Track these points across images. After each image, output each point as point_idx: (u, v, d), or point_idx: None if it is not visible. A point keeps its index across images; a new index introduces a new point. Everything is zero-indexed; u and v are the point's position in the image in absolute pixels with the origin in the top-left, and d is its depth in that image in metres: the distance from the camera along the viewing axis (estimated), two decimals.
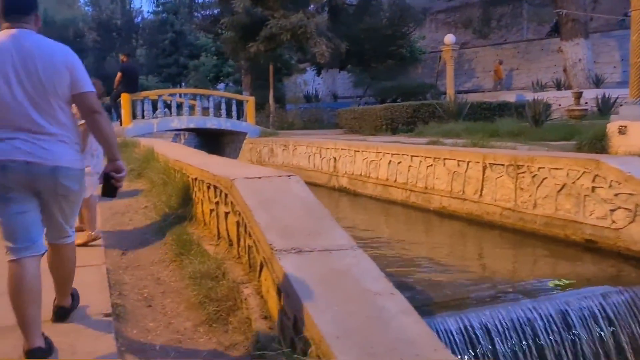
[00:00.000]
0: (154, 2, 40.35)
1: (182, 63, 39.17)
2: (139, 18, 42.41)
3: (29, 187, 2.47)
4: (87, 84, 2.55)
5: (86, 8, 47.54)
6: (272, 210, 3.66)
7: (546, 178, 6.01)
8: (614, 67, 23.16)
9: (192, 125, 13.87)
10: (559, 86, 19.71)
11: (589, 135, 8.62)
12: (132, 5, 44.27)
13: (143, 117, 13.86)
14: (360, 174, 10.01)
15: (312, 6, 17.48)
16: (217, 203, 4.50)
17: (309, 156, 12.13)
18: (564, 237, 5.82)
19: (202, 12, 29.96)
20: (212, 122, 14.22)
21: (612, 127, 8.29)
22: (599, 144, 8.37)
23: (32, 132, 2.43)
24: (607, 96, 14.88)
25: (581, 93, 13.60)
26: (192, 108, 14.77)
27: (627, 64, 23.24)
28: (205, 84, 34.14)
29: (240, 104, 15.37)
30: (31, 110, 2.41)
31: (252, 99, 15.12)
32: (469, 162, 7.19)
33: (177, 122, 13.53)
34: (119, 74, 12.55)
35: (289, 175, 4.27)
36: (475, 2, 35.52)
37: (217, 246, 4.46)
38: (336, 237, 3.43)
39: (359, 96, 31.05)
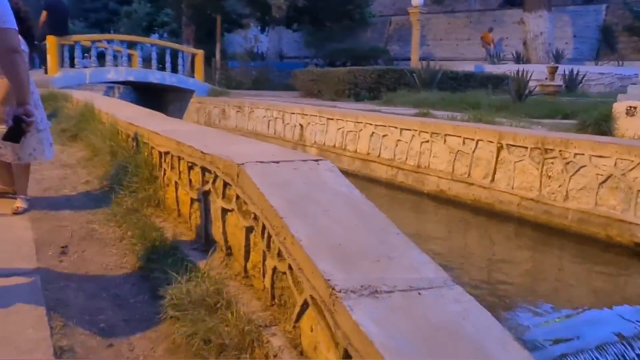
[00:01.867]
0: None
1: (111, 8, 35.97)
2: None
3: None
4: (4, 21, 2.35)
5: None
6: (311, 216, 2.41)
7: (585, 166, 5.07)
8: (566, 42, 22.93)
9: (131, 78, 12.08)
10: (518, 59, 19.17)
11: (592, 115, 7.80)
12: None
13: (73, 65, 11.93)
14: (334, 145, 8.82)
15: None
16: (206, 193, 3.19)
17: (269, 121, 10.79)
18: (604, 238, 4.92)
19: None
20: (155, 76, 12.47)
21: (619, 107, 7.50)
22: (604, 125, 7.58)
23: None
24: (575, 72, 14.38)
25: (557, 68, 12.93)
26: (129, 58, 12.90)
27: (580, 40, 23.18)
28: (138, 33, 31.42)
29: (186, 57, 13.62)
30: None
31: (201, 52, 13.42)
32: (478, 140, 6.16)
33: (114, 73, 11.69)
34: (43, 13, 10.53)
35: (316, 160, 3.02)
36: None
37: (205, 252, 3.17)
38: (417, 264, 2.23)
39: (306, 57, 29.55)
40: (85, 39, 11.54)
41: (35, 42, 11.81)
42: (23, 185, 4.03)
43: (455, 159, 6.47)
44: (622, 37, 23.05)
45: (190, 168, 3.42)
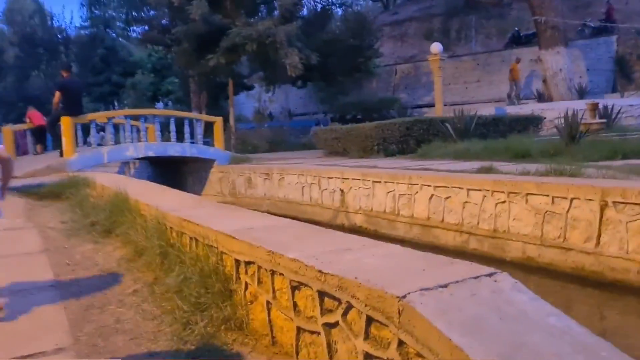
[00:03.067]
0: (81, 16, 37.12)
1: (114, 81, 36.07)
2: (69, 32, 38.80)
3: None
4: None
5: (2, 25, 43.31)
6: None
7: None
8: (580, 77, 22.47)
9: (151, 153, 11.42)
10: (540, 98, 18.63)
11: None
12: (55, 20, 40.49)
13: (88, 144, 11.33)
14: (384, 211, 8.00)
15: (276, 12, 15.36)
16: (329, 325, 2.36)
17: (303, 187, 10.02)
18: None
19: (138, 27, 27.28)
20: (175, 149, 11.81)
21: None
22: None
23: None
24: (610, 107, 13.74)
25: (597, 104, 12.27)
26: (146, 131, 12.26)
27: (594, 73, 22.72)
28: (144, 104, 31.29)
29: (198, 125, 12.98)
30: None
31: (220, 120, 12.81)
32: (573, 199, 5.34)
33: (132, 150, 11.04)
34: (57, 93, 9.97)
35: (490, 274, 2.19)
36: (417, 16, 34.82)
37: None
38: None
39: (314, 113, 29.19)
40: (101, 116, 10.96)
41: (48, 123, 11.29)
42: None
43: (543, 221, 5.64)
44: (637, 67, 22.64)
45: (295, 288, 2.60)
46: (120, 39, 38.66)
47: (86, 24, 39.89)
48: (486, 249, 6.31)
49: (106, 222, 5.88)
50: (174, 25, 16.11)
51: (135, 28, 31.35)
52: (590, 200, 5.17)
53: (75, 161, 9.98)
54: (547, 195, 5.58)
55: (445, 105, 27.34)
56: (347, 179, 8.79)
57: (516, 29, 28.02)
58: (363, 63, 21.18)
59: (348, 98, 24.68)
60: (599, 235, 5.12)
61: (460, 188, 6.64)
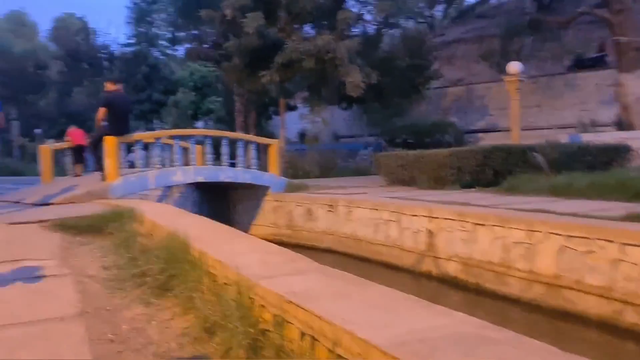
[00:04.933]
0: (125, 34, 36.92)
1: (156, 99, 35.50)
2: (113, 49, 38.62)
3: None
4: None
5: (48, 43, 43.50)
6: None
7: None
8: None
9: (200, 179, 10.18)
10: (620, 125, 16.90)
11: None
12: (100, 37, 40.42)
13: (127, 165, 10.17)
14: (489, 261, 6.50)
15: (340, 27, 14.06)
16: None
17: (377, 224, 8.59)
18: None
19: (183, 45, 26.47)
20: (227, 174, 10.53)
21: None
22: None
23: None
24: None
25: None
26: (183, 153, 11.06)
27: None
28: (184, 122, 30.50)
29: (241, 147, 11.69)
30: None
31: (276, 142, 11.54)
32: None
33: (181, 174, 9.80)
34: (102, 109, 8.81)
35: None
36: (466, 37, 33.32)
37: None
38: None
39: (360, 136, 27.85)
40: (148, 136, 9.78)
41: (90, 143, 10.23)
42: None
43: None
44: None
45: None
46: (162, 57, 38.30)
47: (131, 41, 39.70)
48: None
49: (160, 275, 4.51)
50: (224, 41, 15.03)
51: (179, 47, 30.69)
52: None
53: (119, 186, 8.78)
54: None
55: (499, 131, 25.77)
56: (437, 217, 7.33)
57: (580, 52, 26.29)
58: (422, 84, 19.75)
59: (399, 121, 23.27)
60: None
61: (609, 241, 5.12)
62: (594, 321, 5.25)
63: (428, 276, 7.43)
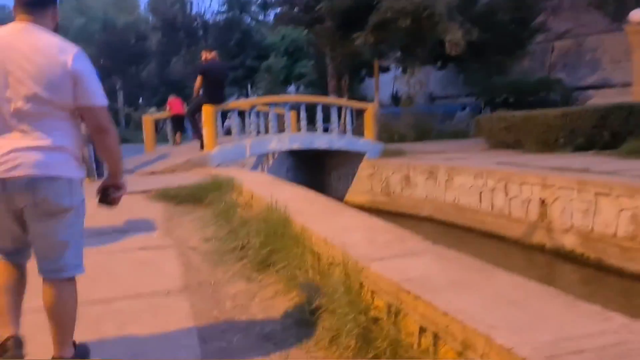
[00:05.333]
0: (219, 1, 37.46)
1: (248, 65, 35.94)
2: (207, 17, 39.45)
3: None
4: (96, 97, 2.16)
5: (147, 14, 45.16)
6: None
7: None
8: None
9: (295, 146, 10.06)
10: None
11: None
12: (195, 6, 41.45)
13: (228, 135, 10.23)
14: (615, 235, 5.87)
15: None
16: None
17: (481, 192, 8.07)
18: None
19: (275, 9, 26.29)
20: (321, 141, 10.34)
21: None
22: None
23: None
24: None
25: None
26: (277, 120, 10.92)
27: None
28: (276, 88, 30.65)
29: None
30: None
31: (371, 107, 11.17)
32: None
33: (276, 142, 9.72)
34: (199, 78, 8.84)
35: None
36: None
37: None
38: None
39: (457, 96, 26.61)
40: (245, 104, 9.75)
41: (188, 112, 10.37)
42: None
43: None
44: None
45: None
46: (254, 22, 38.61)
47: (223, 8, 40.26)
48: None
49: (261, 250, 4.38)
50: (315, 3, 14.65)
51: (270, 11, 30.59)
52: None
53: (216, 155, 8.84)
54: None
55: (613, 87, 23.62)
56: (552, 186, 6.71)
57: None
58: (526, 39, 18.36)
59: (499, 80, 21.88)
60: None
61: None
62: None
63: (540, 249, 6.88)
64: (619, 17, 23.14)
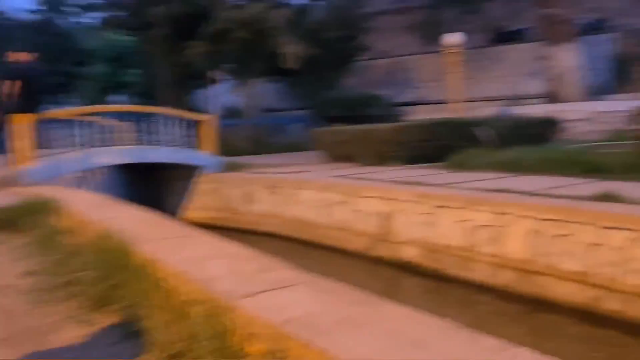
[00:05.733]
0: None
1: (67, 71, 32.93)
2: (18, 16, 35.24)
3: None
4: None
5: None
6: None
7: None
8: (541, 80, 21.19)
9: (129, 160, 9.20)
10: (550, 98, 17.20)
11: None
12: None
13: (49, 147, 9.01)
14: (452, 245, 6.16)
15: None
16: None
17: (326, 206, 8.07)
18: None
19: (99, 12, 24.31)
20: (157, 154, 9.60)
21: None
22: None
23: None
24: None
25: None
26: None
27: (595, 72, 21.49)
28: (101, 97, 28.49)
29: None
30: None
31: (208, 118, 10.68)
32: None
33: (106, 155, 8.79)
34: (17, 82, 7.52)
35: None
36: (392, 9, 33.16)
37: None
38: None
39: (289, 109, 27.04)
40: (68, 114, 8.65)
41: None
42: None
43: None
44: (637, 67, 21.62)
45: None
46: (75, 25, 35.57)
47: (37, 8, 36.44)
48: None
49: (96, 286, 3.73)
50: (146, 7, 13.76)
51: (93, 14, 28.26)
52: None
53: (34, 171, 7.69)
54: None
55: (429, 104, 25.81)
56: (395, 199, 6.90)
57: (501, 25, 26.74)
58: (351, 56, 19.25)
59: (329, 94, 22.69)
60: None
61: (584, 224, 4.86)
62: (566, 307, 5.02)
63: (383, 261, 7.02)
64: (432, 40, 25.48)
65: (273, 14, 12.10)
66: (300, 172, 10.22)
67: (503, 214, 5.57)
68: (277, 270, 3.02)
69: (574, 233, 4.94)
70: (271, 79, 23.22)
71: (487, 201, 5.78)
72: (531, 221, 5.30)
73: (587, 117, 14.99)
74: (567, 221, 5.00)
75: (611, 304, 4.70)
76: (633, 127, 10.61)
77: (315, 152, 13.65)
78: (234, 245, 3.54)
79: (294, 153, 15.84)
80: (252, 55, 13.93)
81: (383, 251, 7.04)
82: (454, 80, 13.34)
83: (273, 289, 2.68)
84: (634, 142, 9.36)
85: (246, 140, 16.81)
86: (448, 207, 6.17)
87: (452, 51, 12.99)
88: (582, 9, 22.07)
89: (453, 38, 13.14)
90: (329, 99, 22.47)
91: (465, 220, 5.98)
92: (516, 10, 25.08)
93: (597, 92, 18.76)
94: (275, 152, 16.06)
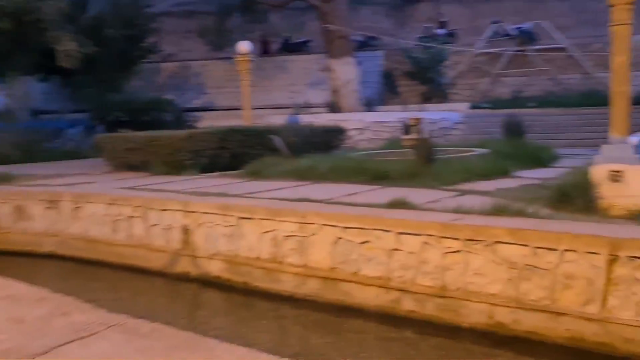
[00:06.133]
0: None
1: None
2: None
3: None
4: None
5: None
6: None
7: None
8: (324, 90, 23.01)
9: None
10: (332, 108, 18.24)
11: (568, 181, 6.61)
12: None
13: None
14: (259, 257, 6.01)
15: None
16: None
17: (116, 221, 7.31)
18: None
19: None
20: None
21: (601, 172, 6.40)
22: (587, 195, 6.42)
23: None
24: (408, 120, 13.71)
25: (419, 119, 11.90)
26: None
27: (366, 85, 23.52)
28: None
29: None
30: None
31: None
32: (566, 250, 4.27)
33: None
34: None
35: None
36: (175, 12, 32.49)
37: None
38: None
39: (62, 112, 24.45)
40: None
41: None
42: None
43: (519, 278, 4.46)
44: (401, 81, 24.25)
45: None
46: None
47: None
48: (430, 311, 4.90)
49: None
50: None
51: None
52: (593, 253, 4.16)
53: None
54: (527, 246, 4.42)
55: (217, 110, 25.67)
56: (196, 211, 6.52)
57: (287, 35, 27.87)
58: (138, 57, 18.11)
59: (113, 97, 21.05)
60: (604, 297, 4.13)
61: (385, 231, 5.11)
62: (372, 312, 5.23)
63: (187, 278, 6.60)
64: (219, 46, 25.34)
65: (45, 4, 10.67)
66: (83, 183, 9.20)
67: (307, 223, 5.60)
68: (76, 312, 2.51)
69: (375, 240, 5.17)
70: (45, 78, 20.76)
71: (290, 211, 5.77)
72: (335, 230, 5.42)
73: (364, 126, 16.26)
74: (368, 228, 5.21)
75: (408, 305, 5.00)
76: (406, 137, 11.76)
77: (98, 160, 12.49)
78: (16, 282, 2.88)
79: (74, 161, 14.33)
80: (17, 50, 12.12)
81: (187, 267, 6.61)
82: (244, 88, 13.32)
83: (72, 341, 2.20)
84: (408, 150, 10.38)
85: (15, 147, 14.67)
86: (252, 218, 6.03)
87: (241, 58, 12.95)
88: (356, 26, 24.07)
89: (242, 45, 13.12)
90: (113, 102, 20.83)
91: (270, 231, 5.90)
92: (300, 23, 26.36)
93: (369, 104, 20.56)
94: (52, 160, 14.32)
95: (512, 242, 4.48)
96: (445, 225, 4.81)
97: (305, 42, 27.28)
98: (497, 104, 21.04)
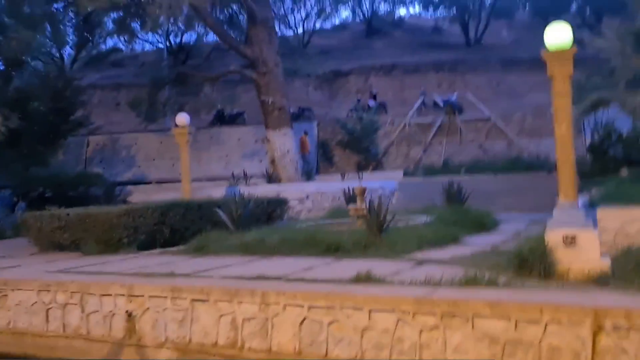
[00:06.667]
0: None
1: None
2: None
3: None
4: None
5: None
6: None
7: None
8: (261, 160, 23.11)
9: None
10: (271, 178, 18.04)
11: (524, 247, 6.61)
12: None
13: None
14: (216, 343, 5.51)
15: None
16: None
17: (48, 309, 6.58)
18: None
19: None
20: None
21: (554, 237, 6.47)
22: (545, 260, 6.43)
23: None
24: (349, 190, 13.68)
25: (365, 189, 11.85)
26: None
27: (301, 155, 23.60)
28: None
29: None
30: None
31: None
32: (549, 323, 4.12)
33: None
34: None
35: None
36: (102, 84, 32.01)
37: None
38: None
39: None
40: None
41: None
42: None
43: (503, 354, 4.26)
44: (336, 151, 24.61)
45: None
46: None
47: None
48: None
49: None
50: None
51: None
52: (571, 323, 4.04)
53: None
54: (508, 319, 4.25)
55: (150, 183, 24.91)
56: (141, 295, 5.97)
57: (220, 107, 27.85)
58: (68, 130, 17.36)
59: (38, 172, 19.93)
60: None
61: (355, 309, 4.82)
62: None
63: None
64: (151, 118, 24.89)
65: None
66: (7, 267, 8.37)
67: (268, 304, 5.22)
68: None
69: (344, 319, 4.85)
70: None
71: (249, 291, 5.38)
72: (300, 310, 5.07)
73: (305, 196, 16.12)
74: (336, 307, 4.90)
75: None
76: (352, 206, 11.65)
77: (22, 240, 11.55)
78: None
79: (13, 242, 13.13)
80: None
81: (132, 358, 5.97)
82: (184, 161, 12.94)
83: None
84: (355, 220, 10.26)
85: None
86: (207, 300, 5.57)
87: (180, 131, 12.65)
88: (290, 98, 24.44)
89: (182, 118, 12.85)
90: (38, 177, 19.70)
91: (227, 314, 5.44)
92: (234, 95, 26.48)
93: (307, 173, 20.59)
94: None
95: (492, 316, 4.30)
96: (419, 300, 4.58)
97: (239, 114, 27.34)
98: (429, 171, 21.69)
